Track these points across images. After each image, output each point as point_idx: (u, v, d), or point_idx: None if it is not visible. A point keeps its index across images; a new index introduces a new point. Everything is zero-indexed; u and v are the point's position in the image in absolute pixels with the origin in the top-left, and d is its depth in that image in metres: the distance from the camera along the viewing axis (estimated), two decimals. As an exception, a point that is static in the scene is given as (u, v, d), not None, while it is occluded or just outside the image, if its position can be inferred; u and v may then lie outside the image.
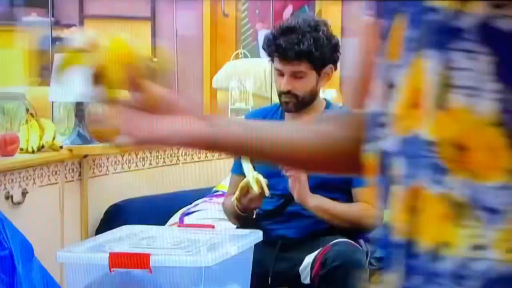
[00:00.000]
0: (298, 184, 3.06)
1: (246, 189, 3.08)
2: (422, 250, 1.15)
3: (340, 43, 3.25)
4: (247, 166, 3.13)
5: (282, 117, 3.27)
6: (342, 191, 3.18)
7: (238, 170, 3.32)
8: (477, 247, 1.12)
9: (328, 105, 3.28)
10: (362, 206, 3.18)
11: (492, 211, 1.12)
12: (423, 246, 1.15)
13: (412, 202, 1.15)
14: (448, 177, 1.12)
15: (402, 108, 1.17)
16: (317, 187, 3.15)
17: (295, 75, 3.15)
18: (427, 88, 1.14)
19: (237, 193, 3.10)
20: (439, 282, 1.11)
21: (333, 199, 3.17)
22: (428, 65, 1.14)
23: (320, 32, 3.14)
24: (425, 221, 1.14)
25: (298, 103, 3.18)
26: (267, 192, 3.05)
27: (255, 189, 3.04)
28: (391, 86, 1.18)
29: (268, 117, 3.30)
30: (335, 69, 3.23)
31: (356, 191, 3.17)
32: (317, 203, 3.11)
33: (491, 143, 1.12)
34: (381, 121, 1.20)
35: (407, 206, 1.15)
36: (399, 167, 1.17)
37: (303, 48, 3.10)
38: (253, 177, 3.07)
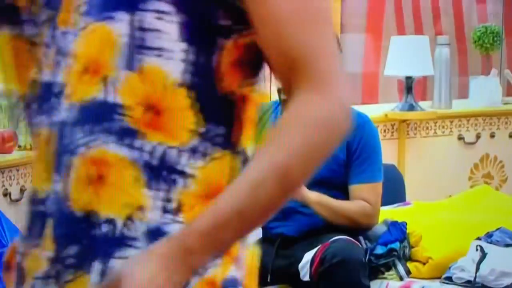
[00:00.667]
0: None
1: None
2: (111, 218, 1.10)
3: (339, 41, 3.24)
4: None
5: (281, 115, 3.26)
6: (340, 188, 3.16)
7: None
8: (168, 211, 1.11)
9: None
10: (360, 204, 3.17)
11: (182, 173, 1.11)
12: (109, 214, 1.11)
13: (92, 171, 1.11)
14: (139, 140, 1.10)
15: (74, 75, 1.13)
16: (315, 184, 3.14)
17: None
18: (113, 50, 1.11)
19: None
20: (134, 245, 1.10)
21: (332, 196, 3.16)
22: (116, 27, 1.10)
23: None
24: (110, 189, 1.11)
25: None
26: None
27: None
28: (64, 54, 1.14)
29: (268, 113, 3.29)
30: None
31: (353, 188, 3.16)
32: (318, 198, 3.11)
33: (179, 104, 1.11)
34: (55, 91, 1.15)
35: (87, 176, 1.11)
36: (73, 136, 1.12)
37: None
38: None
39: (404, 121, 4.58)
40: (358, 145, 3.15)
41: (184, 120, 1.11)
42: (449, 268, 3.34)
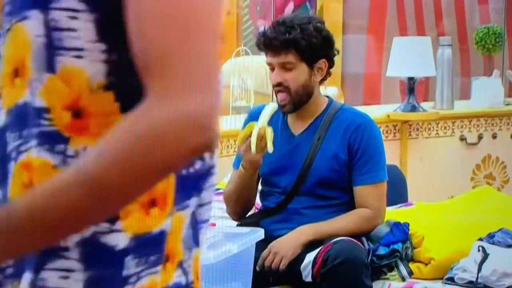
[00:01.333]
0: (276, 250, 3.05)
1: (248, 136, 3.00)
2: None
3: (333, 39, 3.19)
4: (264, 116, 3.02)
5: (284, 116, 3.26)
6: (342, 189, 3.16)
7: (237, 165, 3.33)
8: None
9: (330, 102, 3.27)
10: (359, 213, 3.15)
11: None
12: None
13: (25, 177, 1.08)
14: (62, 144, 1.05)
15: (5, 78, 1.09)
16: (317, 184, 3.14)
17: (285, 67, 3.10)
18: (31, 51, 1.06)
19: (240, 136, 3.04)
20: (66, 256, 1.06)
21: (332, 197, 3.16)
22: (31, 27, 1.06)
23: (310, 25, 3.10)
24: None
25: (292, 99, 3.13)
26: (270, 148, 2.97)
27: (253, 149, 2.97)
28: (0, 58, 1.10)
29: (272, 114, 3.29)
30: (330, 65, 3.17)
31: (356, 190, 3.16)
32: (314, 235, 3.09)
33: (105, 108, 1.05)
34: None
35: (21, 182, 1.08)
36: (10, 141, 1.09)
37: (289, 37, 3.07)
38: (258, 130, 2.97)
39: (406, 121, 4.59)
40: (359, 145, 3.14)
41: (113, 124, 1.03)
42: (451, 268, 3.34)
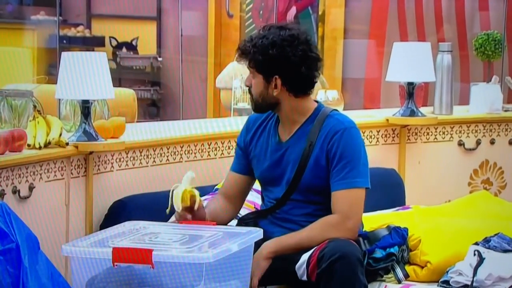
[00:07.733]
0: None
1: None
2: None
3: (296, 58, 3.12)
4: (186, 181, 3.11)
5: (277, 122, 3.30)
6: (326, 194, 3.18)
7: (234, 168, 3.36)
8: None
9: (319, 108, 3.24)
10: (323, 221, 3.12)
11: None
12: None
13: None
14: None
15: None
16: (306, 191, 3.17)
17: (251, 73, 3.20)
18: None
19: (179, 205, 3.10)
20: None
21: (316, 201, 3.18)
22: None
23: (278, 40, 3.10)
24: None
25: (254, 104, 3.22)
26: (196, 205, 3.08)
27: (176, 206, 3.06)
28: None
29: (267, 120, 3.32)
30: (288, 82, 3.15)
31: (332, 195, 3.14)
32: (274, 248, 3.11)
33: None
34: None
35: None
36: None
37: (244, 48, 3.16)
38: (178, 193, 3.07)
39: (405, 126, 4.63)
40: (335, 151, 3.11)
41: None
42: (447, 272, 3.37)
